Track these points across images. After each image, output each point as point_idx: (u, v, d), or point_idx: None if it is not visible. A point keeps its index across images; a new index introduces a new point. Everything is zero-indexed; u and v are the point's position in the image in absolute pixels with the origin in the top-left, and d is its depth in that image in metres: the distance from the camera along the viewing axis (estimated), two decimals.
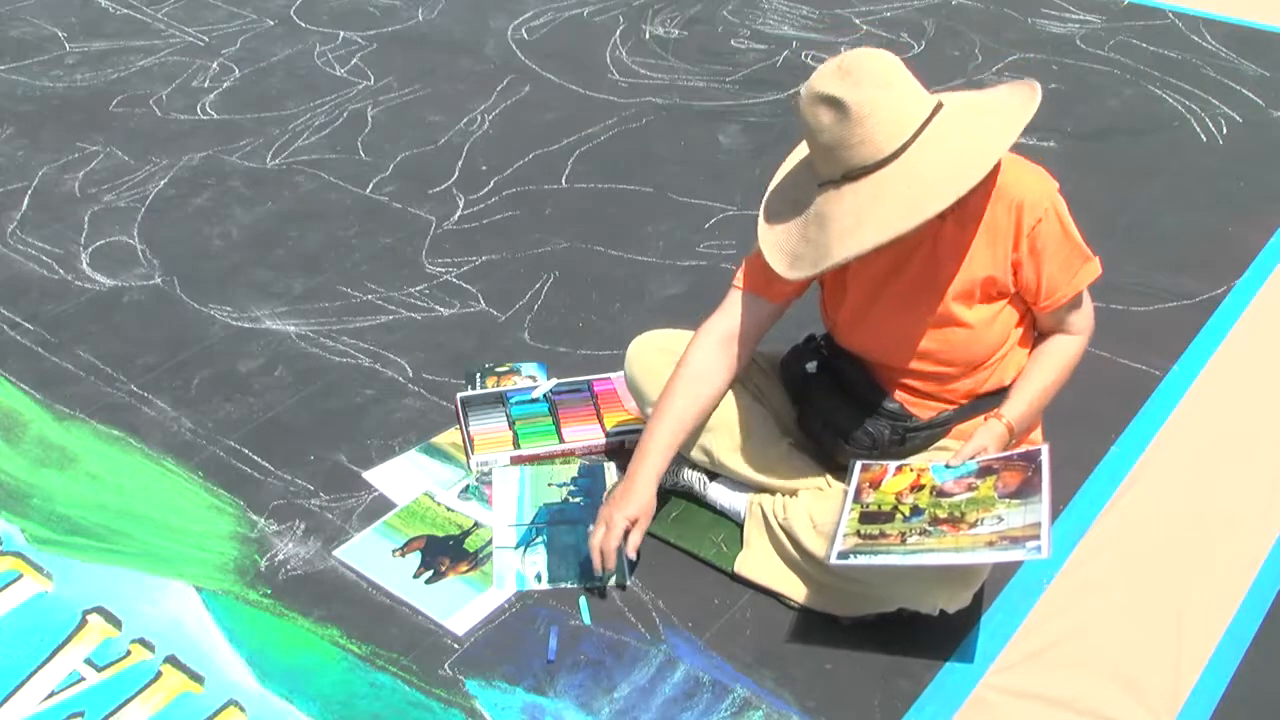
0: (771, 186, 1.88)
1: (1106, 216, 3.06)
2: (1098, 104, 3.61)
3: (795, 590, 1.98)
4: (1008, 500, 1.76)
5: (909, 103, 1.67)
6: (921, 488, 1.84)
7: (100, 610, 2.01)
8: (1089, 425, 2.24)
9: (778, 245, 1.79)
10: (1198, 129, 3.48)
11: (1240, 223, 3.04)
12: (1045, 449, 1.83)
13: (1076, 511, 2.16)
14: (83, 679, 1.90)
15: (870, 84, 1.64)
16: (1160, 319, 2.70)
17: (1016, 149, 1.75)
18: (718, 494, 2.12)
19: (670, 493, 2.18)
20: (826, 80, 1.67)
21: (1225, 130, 3.47)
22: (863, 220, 1.67)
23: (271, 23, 4.18)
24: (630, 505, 1.93)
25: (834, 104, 1.65)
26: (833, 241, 1.69)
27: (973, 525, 1.74)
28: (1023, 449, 1.86)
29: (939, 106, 1.70)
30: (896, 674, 1.88)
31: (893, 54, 1.71)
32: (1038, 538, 1.68)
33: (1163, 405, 2.44)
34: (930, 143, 1.67)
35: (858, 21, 4.15)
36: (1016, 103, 1.75)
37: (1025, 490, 1.76)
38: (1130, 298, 2.76)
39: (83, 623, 1.99)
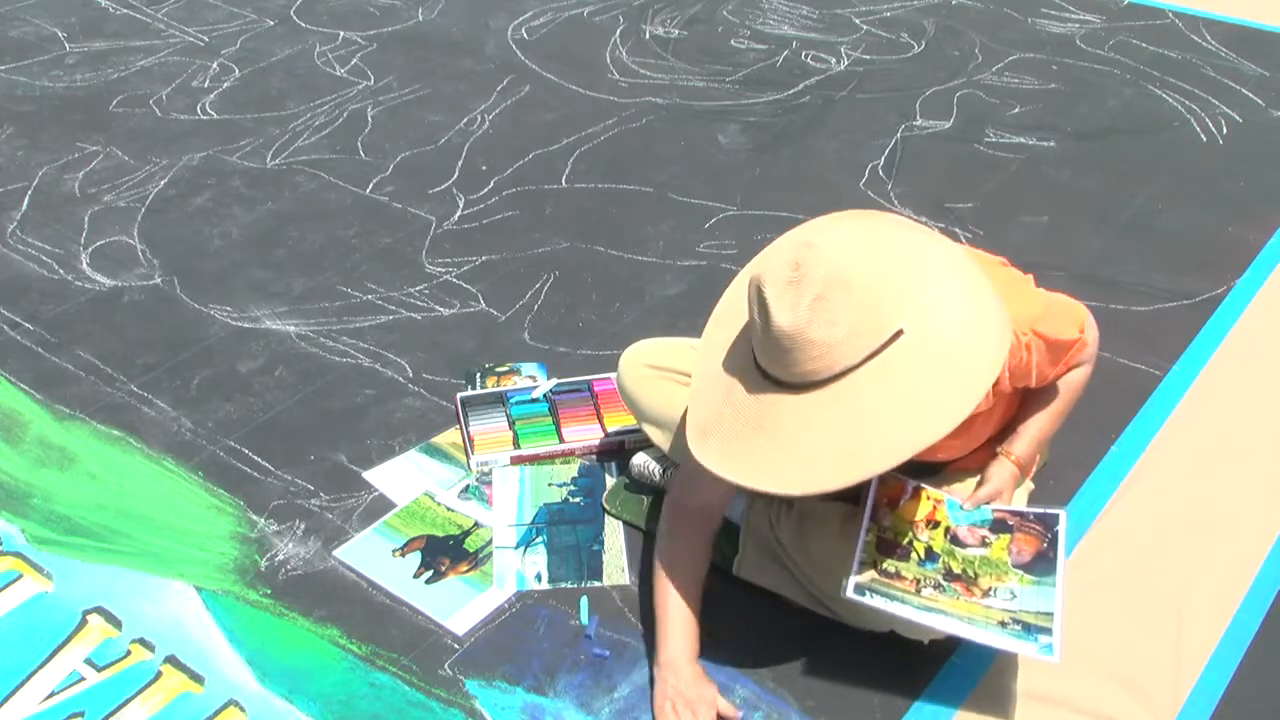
0: (709, 340, 1.72)
1: (1106, 216, 3.06)
2: (1098, 104, 3.60)
3: (794, 593, 1.97)
4: (1020, 573, 1.77)
5: (851, 333, 1.52)
6: (936, 524, 1.83)
7: (100, 610, 2.01)
8: (1089, 425, 2.24)
9: (701, 426, 1.64)
10: (1198, 129, 3.47)
11: (1240, 223, 3.04)
12: (1062, 516, 1.82)
13: (1076, 511, 2.15)
14: (83, 679, 1.90)
15: (809, 307, 1.50)
16: (1160, 319, 2.70)
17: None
18: None
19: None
20: (774, 275, 1.53)
21: (1225, 130, 3.47)
22: (792, 463, 1.57)
23: (271, 23, 4.18)
24: (703, 687, 1.78)
25: (764, 309, 1.53)
26: (760, 471, 1.59)
27: (985, 593, 1.76)
28: (1039, 509, 1.85)
29: (898, 334, 1.54)
30: (896, 674, 1.87)
31: (872, 233, 1.59)
32: (1049, 631, 1.70)
33: (1163, 405, 2.44)
34: (866, 390, 1.53)
35: (858, 21, 4.15)
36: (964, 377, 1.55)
37: (1039, 565, 1.77)
38: (1130, 298, 2.76)
39: (83, 623, 1.99)
